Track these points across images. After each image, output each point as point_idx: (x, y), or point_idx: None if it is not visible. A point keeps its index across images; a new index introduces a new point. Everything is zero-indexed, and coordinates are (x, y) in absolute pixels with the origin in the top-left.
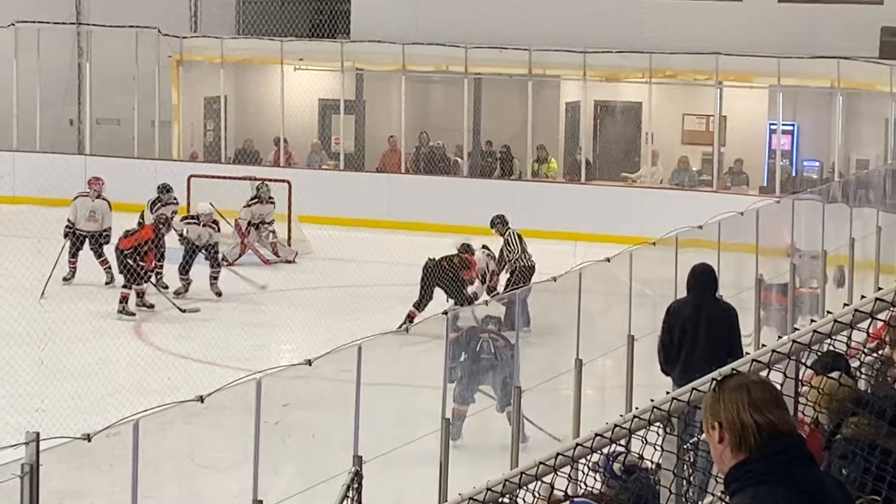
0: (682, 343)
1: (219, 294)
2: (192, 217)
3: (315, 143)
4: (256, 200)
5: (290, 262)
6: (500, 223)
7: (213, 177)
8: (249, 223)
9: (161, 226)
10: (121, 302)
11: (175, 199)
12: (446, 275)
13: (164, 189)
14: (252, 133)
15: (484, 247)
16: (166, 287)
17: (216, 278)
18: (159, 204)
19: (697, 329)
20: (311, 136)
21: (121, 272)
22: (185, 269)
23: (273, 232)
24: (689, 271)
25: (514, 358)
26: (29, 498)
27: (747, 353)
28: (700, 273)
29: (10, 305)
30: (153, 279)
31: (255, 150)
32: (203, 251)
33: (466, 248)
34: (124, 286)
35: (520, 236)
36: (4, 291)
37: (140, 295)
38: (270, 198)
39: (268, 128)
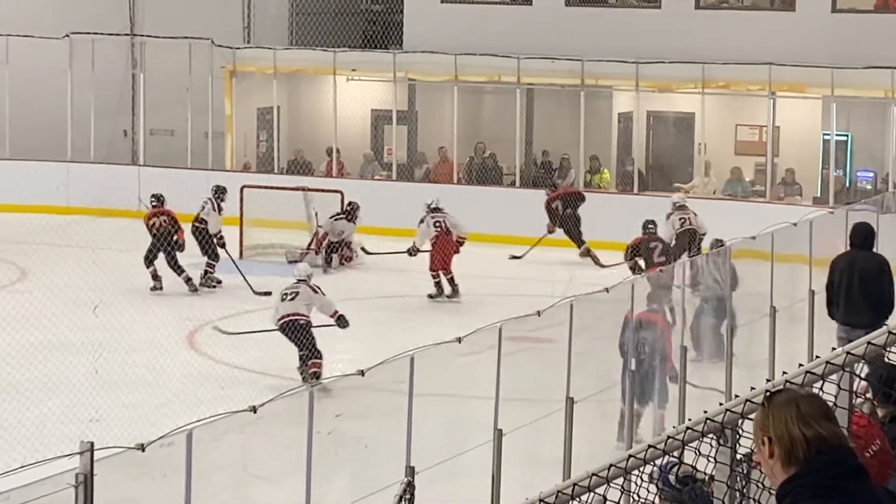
0: (840, 289)
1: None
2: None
3: (367, 154)
4: (342, 217)
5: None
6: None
7: (265, 187)
8: (326, 235)
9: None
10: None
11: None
12: None
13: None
14: (304, 144)
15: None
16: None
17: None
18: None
19: (852, 277)
20: (364, 147)
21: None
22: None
23: (349, 246)
24: (851, 228)
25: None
26: None
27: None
28: (858, 230)
29: (65, 315)
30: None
31: (307, 161)
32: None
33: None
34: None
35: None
36: (59, 302)
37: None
38: (355, 218)
39: (320, 138)
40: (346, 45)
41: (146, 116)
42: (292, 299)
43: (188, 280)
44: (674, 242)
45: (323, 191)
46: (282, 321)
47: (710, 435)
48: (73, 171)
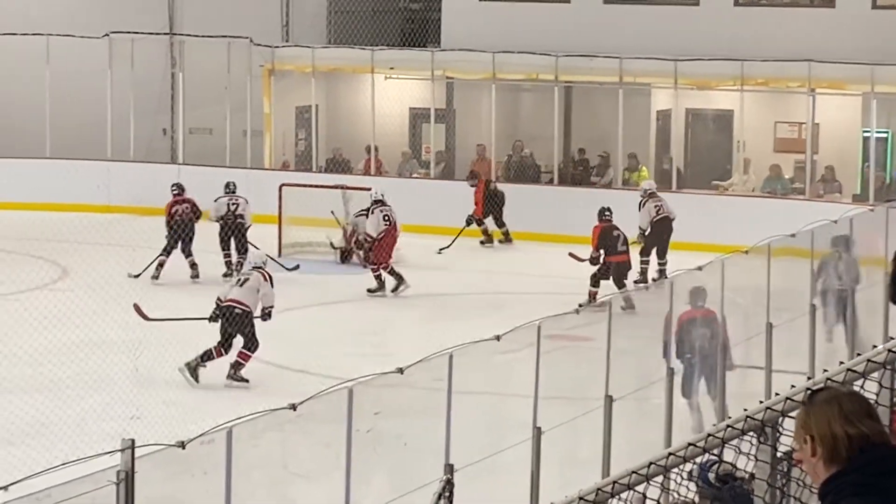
0: None
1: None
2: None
3: (406, 152)
4: (363, 213)
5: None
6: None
7: (304, 185)
8: (354, 231)
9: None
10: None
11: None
12: None
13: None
14: (342, 142)
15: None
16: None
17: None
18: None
19: None
20: (402, 145)
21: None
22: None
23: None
24: None
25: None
26: None
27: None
28: None
29: (105, 312)
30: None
31: (345, 159)
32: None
33: None
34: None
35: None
36: (100, 299)
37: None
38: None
39: (358, 137)
40: (384, 44)
41: (185, 115)
42: (241, 285)
43: (193, 265)
44: (650, 230)
45: (362, 189)
46: (224, 304)
47: (751, 433)
48: (114, 170)
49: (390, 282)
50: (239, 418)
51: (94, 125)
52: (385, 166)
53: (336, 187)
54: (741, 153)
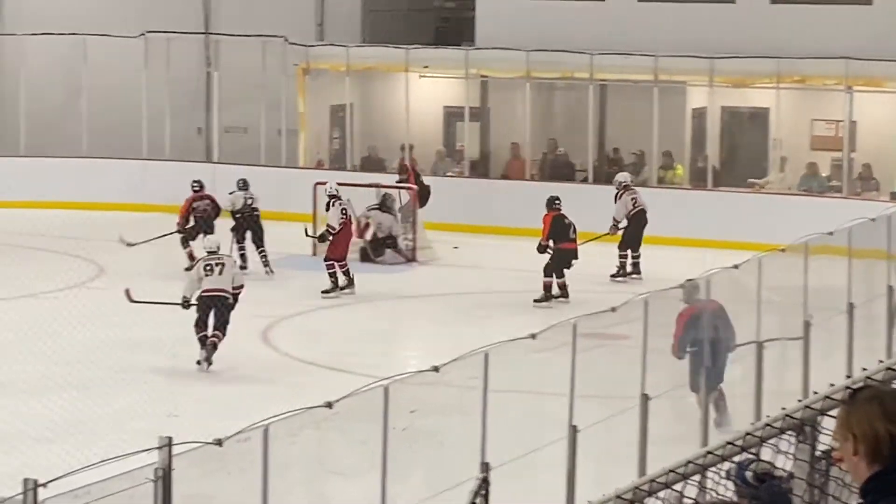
0: None
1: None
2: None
3: (440, 151)
4: (377, 208)
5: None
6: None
7: (338, 184)
8: (367, 223)
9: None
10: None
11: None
12: None
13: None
14: (377, 141)
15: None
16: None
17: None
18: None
19: None
20: (436, 144)
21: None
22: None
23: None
24: None
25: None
26: (162, 502)
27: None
28: None
29: (141, 311)
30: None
31: (379, 158)
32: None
33: None
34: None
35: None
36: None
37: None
38: (388, 208)
39: (393, 135)
40: (419, 43)
41: (220, 114)
42: (220, 273)
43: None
44: (625, 223)
45: (395, 187)
46: (211, 294)
47: (790, 431)
48: (149, 169)
49: (342, 280)
50: (275, 416)
51: (130, 124)
52: (419, 165)
53: (371, 186)
54: (777, 151)
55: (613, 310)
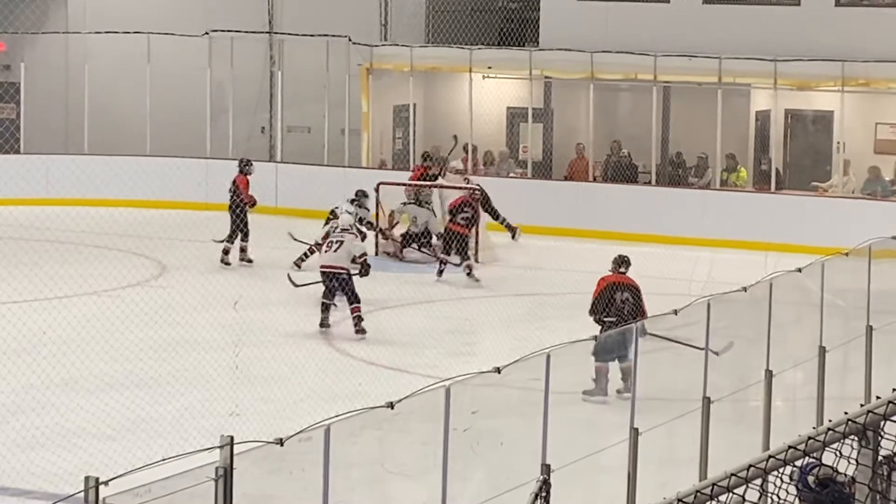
0: None
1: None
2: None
3: (503, 151)
4: (414, 202)
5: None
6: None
7: (401, 184)
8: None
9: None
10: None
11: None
12: None
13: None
14: (440, 141)
15: None
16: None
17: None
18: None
19: None
20: (499, 144)
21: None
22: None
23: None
24: None
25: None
26: (223, 501)
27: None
28: None
29: (204, 309)
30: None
31: (443, 158)
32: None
33: None
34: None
35: None
36: (199, 297)
37: None
38: (425, 202)
39: (456, 136)
40: (483, 43)
41: (284, 113)
42: (336, 250)
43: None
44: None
45: (458, 187)
46: (324, 269)
47: (852, 436)
48: (213, 168)
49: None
50: (337, 416)
51: (194, 123)
52: (482, 165)
53: (433, 186)
54: (841, 154)
55: (675, 313)
